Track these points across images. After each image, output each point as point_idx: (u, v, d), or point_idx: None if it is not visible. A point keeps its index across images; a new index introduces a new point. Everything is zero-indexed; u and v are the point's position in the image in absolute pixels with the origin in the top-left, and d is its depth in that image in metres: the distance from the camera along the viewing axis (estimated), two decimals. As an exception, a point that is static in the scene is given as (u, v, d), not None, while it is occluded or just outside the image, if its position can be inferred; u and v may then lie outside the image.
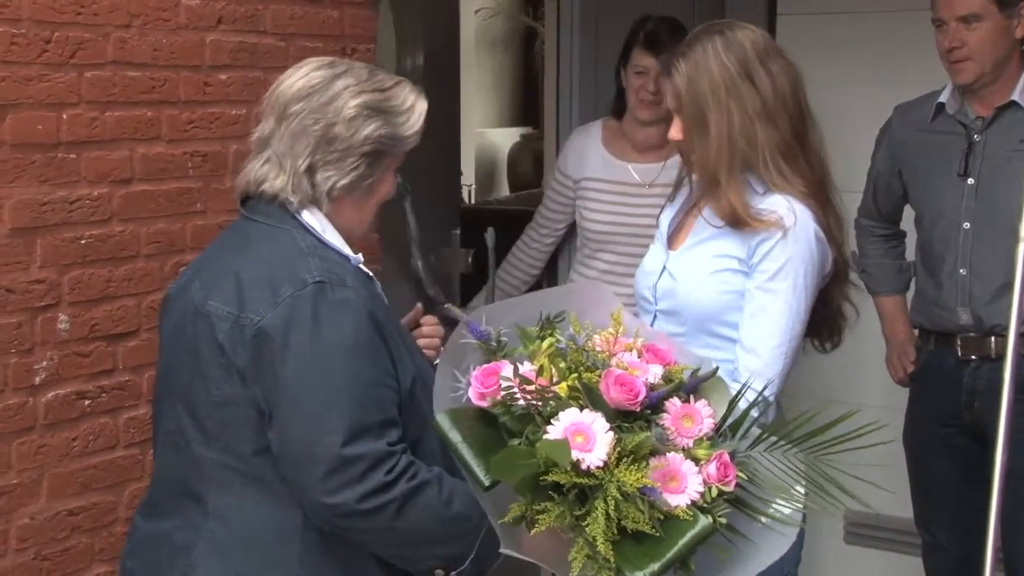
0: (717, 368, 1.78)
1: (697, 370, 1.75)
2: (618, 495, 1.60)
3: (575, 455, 1.59)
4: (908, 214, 3.11)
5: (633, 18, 3.78)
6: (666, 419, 1.68)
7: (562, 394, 1.66)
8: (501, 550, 1.73)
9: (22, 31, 2.20)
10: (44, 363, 2.27)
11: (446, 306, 1.95)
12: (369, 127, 1.85)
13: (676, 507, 1.63)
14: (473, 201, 7.35)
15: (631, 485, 1.60)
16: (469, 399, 1.70)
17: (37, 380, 2.26)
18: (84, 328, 2.33)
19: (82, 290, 2.32)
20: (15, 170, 2.20)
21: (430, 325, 2.13)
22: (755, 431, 1.74)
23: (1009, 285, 2.75)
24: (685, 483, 1.65)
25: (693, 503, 1.64)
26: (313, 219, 1.89)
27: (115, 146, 2.36)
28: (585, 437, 1.62)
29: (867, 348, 3.12)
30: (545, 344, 1.72)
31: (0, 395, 2.21)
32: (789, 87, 2.09)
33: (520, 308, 1.82)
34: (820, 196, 2.10)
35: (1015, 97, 2.77)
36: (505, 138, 8.74)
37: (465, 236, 3.55)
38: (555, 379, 1.69)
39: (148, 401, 2.45)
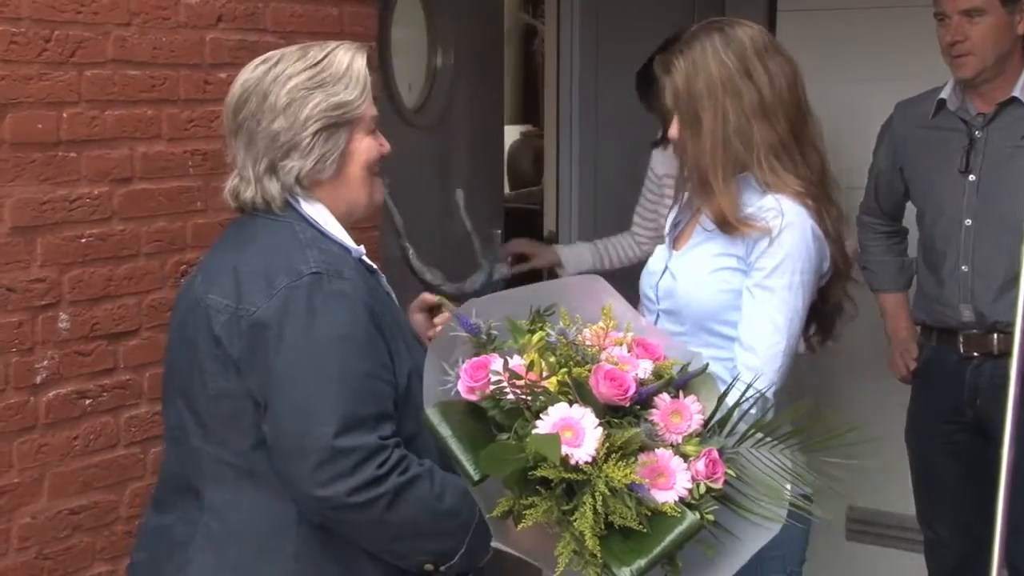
0: (707, 364, 1.78)
1: (687, 366, 1.76)
2: (606, 491, 1.61)
3: (565, 450, 1.59)
4: (910, 211, 3.11)
5: (633, 14, 3.79)
6: (655, 415, 1.69)
7: (551, 389, 1.67)
8: (492, 544, 1.75)
9: (22, 30, 2.19)
10: (45, 362, 2.26)
11: (438, 298, 1.95)
12: (308, 106, 1.86)
13: (664, 503, 1.64)
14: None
15: (619, 481, 1.61)
16: (458, 392, 1.70)
17: (38, 379, 2.25)
18: (85, 327, 2.32)
19: (83, 289, 2.32)
20: (15, 169, 2.20)
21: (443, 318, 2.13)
22: (743, 427, 1.74)
23: (1012, 281, 2.76)
24: (673, 479, 1.65)
25: (681, 499, 1.64)
26: (314, 210, 1.91)
27: (115, 145, 2.35)
28: (574, 432, 1.63)
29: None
30: (535, 338, 1.73)
31: (1, 394, 2.20)
32: (787, 84, 2.08)
33: (512, 301, 1.82)
34: (819, 193, 2.09)
35: (1016, 93, 2.77)
36: (505, 136, 8.74)
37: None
38: (545, 374, 1.69)
39: (149, 400, 2.45)
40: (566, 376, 1.67)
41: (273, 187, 1.89)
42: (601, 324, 1.76)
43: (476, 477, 1.68)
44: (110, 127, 2.34)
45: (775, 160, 2.06)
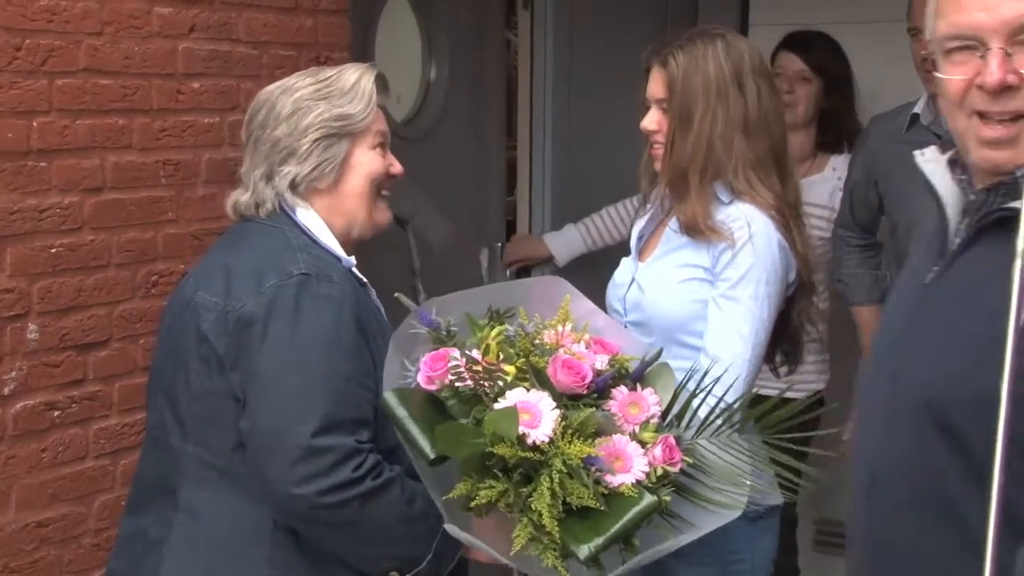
0: (660, 351, 1.82)
1: (643, 358, 1.79)
2: (563, 469, 1.64)
3: (522, 430, 1.63)
4: (884, 225, 3.14)
5: (604, 29, 3.81)
6: (613, 405, 1.73)
7: (509, 376, 1.70)
8: (446, 526, 1.76)
9: (-8, 38, 2.18)
10: (13, 373, 2.25)
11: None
12: (311, 115, 1.93)
13: (621, 485, 1.66)
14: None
15: (575, 456, 1.64)
16: (418, 384, 1.74)
17: (6, 391, 2.23)
18: (54, 338, 2.31)
19: (52, 299, 2.30)
20: (-15, 178, 2.19)
21: None
22: (699, 419, 1.78)
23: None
24: (630, 463, 1.71)
25: (638, 482, 1.67)
26: (308, 219, 1.95)
27: (86, 154, 2.34)
28: (531, 415, 1.67)
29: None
30: (493, 332, 1.77)
31: (-32, 406, 2.19)
32: (774, 109, 2.12)
33: (471, 300, 1.85)
34: (789, 210, 2.11)
35: (986, 108, 2.79)
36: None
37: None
38: (503, 361, 1.72)
39: (119, 411, 2.44)
40: (524, 364, 1.71)
41: (267, 192, 1.94)
42: (557, 322, 1.79)
43: (432, 456, 1.70)
44: (81, 136, 2.33)
45: (751, 172, 2.09)
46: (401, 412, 1.74)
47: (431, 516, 1.84)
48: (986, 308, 1.28)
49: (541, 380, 1.71)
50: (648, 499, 1.67)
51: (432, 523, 1.85)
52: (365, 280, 1.99)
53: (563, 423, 1.66)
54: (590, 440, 1.67)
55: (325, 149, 1.93)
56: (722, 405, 1.80)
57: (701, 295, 2.10)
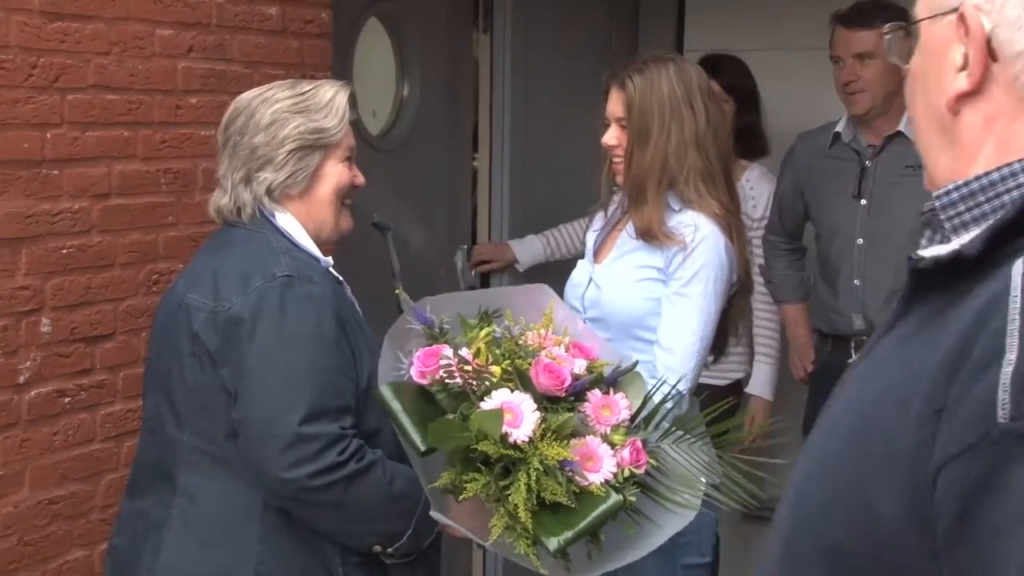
0: (636, 362, 1.97)
1: (618, 366, 1.94)
2: (540, 467, 1.75)
3: (504, 429, 1.75)
4: (809, 231, 3.44)
5: (557, 51, 4.07)
6: (587, 407, 1.86)
7: (495, 377, 1.83)
8: (431, 513, 1.89)
9: (10, 56, 2.36)
10: (28, 363, 2.42)
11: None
12: (288, 127, 2.04)
13: (591, 484, 1.79)
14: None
15: (552, 458, 1.76)
16: (410, 377, 1.86)
17: (21, 379, 2.41)
18: (65, 331, 2.49)
19: (63, 296, 2.49)
20: (2, 185, 2.36)
21: None
22: (665, 425, 1.93)
23: (895, 293, 3.08)
24: (600, 463, 1.81)
25: (607, 481, 1.80)
26: (286, 223, 2.08)
27: (94, 163, 2.53)
28: (514, 415, 1.77)
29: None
30: (483, 332, 1.89)
31: (-12, 393, 2.36)
32: (718, 125, 2.33)
33: (463, 301, 2.00)
34: (732, 219, 2.34)
35: (901, 128, 3.09)
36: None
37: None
38: (490, 362, 1.85)
39: (123, 398, 2.63)
40: (509, 366, 1.84)
41: (246, 195, 2.06)
42: (541, 326, 1.95)
43: (423, 448, 1.84)
44: (90, 147, 2.52)
45: (701, 183, 2.29)
46: (395, 405, 1.86)
47: (410, 496, 1.98)
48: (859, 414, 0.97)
49: (524, 382, 1.82)
50: (614, 498, 1.79)
51: (411, 502, 1.99)
52: (341, 278, 2.13)
53: (543, 425, 1.78)
54: (566, 441, 1.79)
55: (299, 159, 2.05)
56: (674, 393, 1.98)
57: (655, 293, 2.29)
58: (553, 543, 1.77)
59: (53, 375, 2.48)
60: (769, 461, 1.93)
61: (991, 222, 0.92)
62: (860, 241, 3.15)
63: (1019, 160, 0.94)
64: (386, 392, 1.89)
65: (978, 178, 0.96)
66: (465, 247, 3.91)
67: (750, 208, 3.48)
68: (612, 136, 2.36)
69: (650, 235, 2.31)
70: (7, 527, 2.42)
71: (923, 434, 0.85)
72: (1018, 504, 0.79)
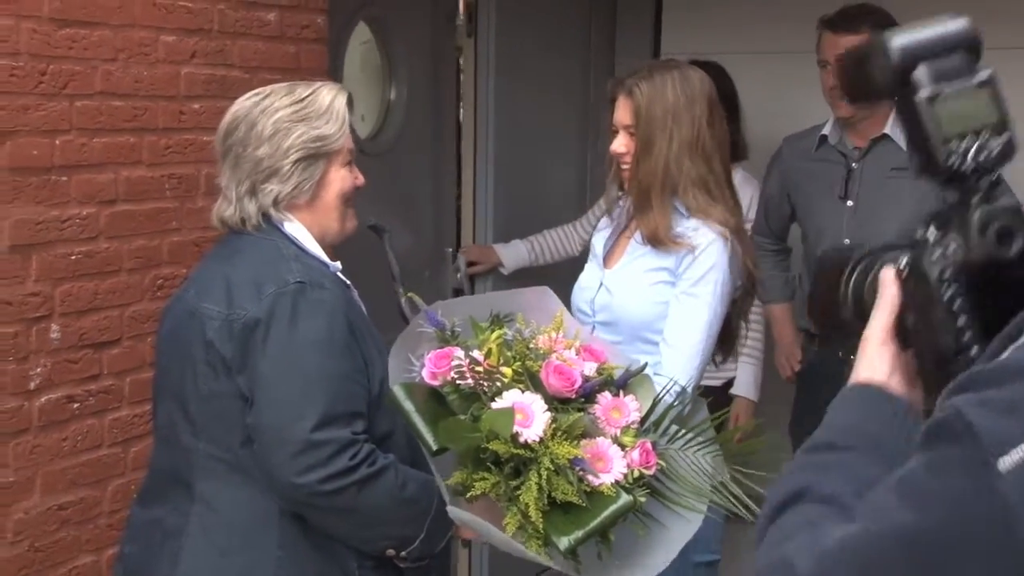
0: (646, 364, 2.00)
1: (628, 368, 1.97)
2: (551, 467, 1.76)
3: (515, 428, 1.78)
4: (794, 232, 3.51)
5: (539, 54, 4.12)
6: (597, 409, 1.89)
7: (506, 378, 1.85)
8: (448, 508, 1.90)
9: (20, 64, 2.37)
10: (38, 370, 2.43)
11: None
12: (291, 137, 2.04)
13: (602, 484, 1.81)
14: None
15: (563, 457, 1.77)
16: (422, 379, 1.89)
17: (32, 385, 2.42)
18: (74, 337, 2.50)
19: (72, 302, 2.49)
20: (13, 192, 2.37)
21: None
22: (674, 429, 1.96)
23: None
24: (611, 464, 1.83)
25: (617, 482, 1.82)
26: (294, 230, 2.10)
27: (102, 169, 2.54)
28: (525, 415, 1.79)
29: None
30: (494, 335, 1.92)
31: (-1, 399, 2.36)
32: (723, 132, 2.38)
33: (473, 305, 2.03)
34: (736, 224, 2.38)
35: (887, 130, 3.18)
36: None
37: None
38: (501, 364, 1.87)
39: (130, 403, 2.64)
40: (520, 367, 1.87)
41: (251, 207, 2.07)
42: (551, 329, 1.98)
43: (435, 447, 1.86)
44: (97, 153, 2.53)
45: (701, 190, 2.34)
46: (408, 405, 1.88)
47: (423, 499, 2.01)
48: None
49: (535, 383, 1.83)
50: (624, 499, 1.81)
51: (423, 506, 2.01)
52: (349, 282, 2.15)
53: (553, 425, 1.80)
54: (576, 441, 1.80)
55: (304, 169, 2.05)
56: (678, 390, 2.03)
57: (666, 297, 2.33)
58: (564, 542, 1.79)
59: (63, 381, 2.49)
60: (767, 476, 1.97)
61: None
62: (846, 242, 3.22)
63: None
64: (399, 392, 1.91)
65: None
66: (463, 256, 3.93)
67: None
68: (621, 144, 2.40)
69: (657, 241, 2.35)
70: (18, 533, 2.42)
71: None
72: None
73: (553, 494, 1.80)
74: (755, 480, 1.94)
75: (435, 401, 1.91)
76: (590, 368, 1.94)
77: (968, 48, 1.04)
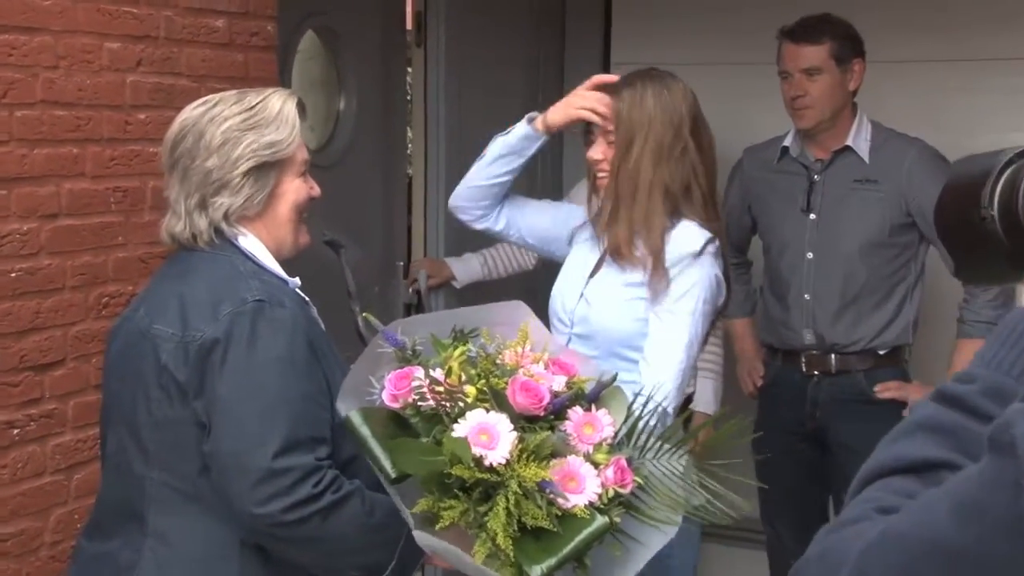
0: (616, 375, 1.91)
1: (599, 380, 1.88)
2: (519, 491, 1.69)
3: (479, 452, 1.69)
4: (754, 244, 3.48)
5: (488, 62, 4.06)
6: (568, 426, 1.80)
7: (470, 397, 1.77)
8: (415, 534, 1.80)
9: (-44, 71, 2.26)
10: (-24, 394, 2.32)
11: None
12: (240, 146, 1.96)
13: (574, 506, 1.73)
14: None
15: (530, 479, 1.69)
16: (383, 401, 1.80)
17: (-31, 411, 2.30)
18: (14, 359, 2.38)
19: (12, 322, 2.37)
20: (-52, 206, 2.26)
21: None
22: (649, 441, 1.87)
23: (846, 307, 3.16)
24: (584, 484, 1.74)
25: (591, 503, 1.74)
26: (250, 245, 2.01)
27: (43, 182, 2.42)
28: (489, 436, 1.70)
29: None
30: (457, 352, 1.83)
31: (-65, 426, 2.24)
32: (707, 142, 2.34)
33: (436, 322, 1.94)
34: (718, 228, 2.34)
35: (849, 142, 3.16)
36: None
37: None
38: (464, 382, 1.78)
39: (73, 428, 2.52)
40: (484, 386, 1.79)
41: (201, 222, 1.97)
42: (517, 343, 1.89)
43: (393, 475, 1.77)
44: (38, 165, 2.41)
45: (684, 202, 2.30)
46: (364, 431, 1.79)
47: (392, 526, 1.91)
48: None
49: (500, 402, 1.75)
50: (600, 521, 1.74)
51: (394, 532, 1.93)
52: (308, 299, 2.07)
53: (520, 445, 1.72)
54: (546, 462, 1.73)
55: (255, 180, 1.97)
56: (659, 411, 1.95)
57: (643, 313, 2.29)
58: (536, 571, 1.71)
59: (2, 406, 2.36)
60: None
61: None
62: (810, 255, 3.19)
63: None
64: (355, 418, 1.82)
65: None
66: (402, 264, 3.86)
67: None
68: (598, 150, 2.35)
69: (619, 254, 2.31)
70: (-46, 568, 2.29)
71: None
72: None
73: (523, 519, 1.72)
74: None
75: (396, 425, 1.83)
76: (559, 382, 1.87)
77: None
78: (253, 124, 1.99)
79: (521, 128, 2.46)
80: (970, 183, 1.02)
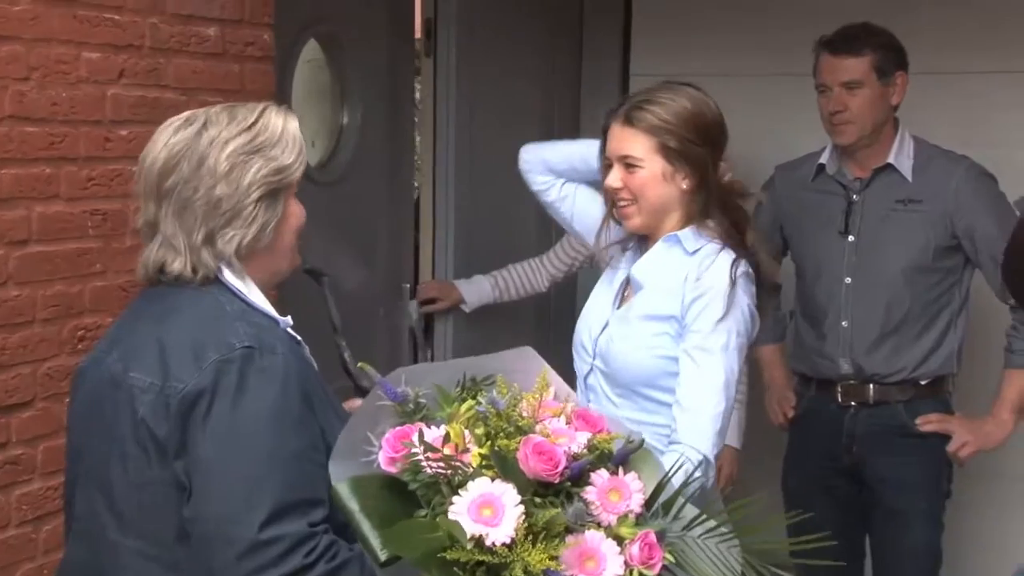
0: (643, 440, 1.72)
1: (628, 439, 1.69)
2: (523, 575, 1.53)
3: (481, 530, 1.53)
4: (787, 267, 3.26)
5: (501, 73, 3.88)
6: (591, 492, 1.61)
7: (475, 463, 1.60)
8: None
9: (-87, 83, 2.07)
10: (-66, 439, 2.12)
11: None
12: (250, 172, 1.78)
13: None
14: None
15: (536, 565, 1.54)
16: (379, 464, 1.64)
17: (-74, 458, 2.11)
18: (-23, 400, 2.19)
19: (-25, 359, 2.18)
20: (-96, 232, 2.06)
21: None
22: (691, 510, 1.68)
23: (886, 336, 2.94)
24: (604, 564, 1.58)
25: None
26: (235, 279, 1.82)
27: (11, 205, 2.23)
28: (493, 510, 1.56)
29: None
30: (464, 407, 1.67)
31: None
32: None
33: (444, 371, 1.77)
34: (748, 265, 2.18)
35: (891, 160, 2.95)
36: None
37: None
38: (469, 442, 1.62)
39: (42, 475, 2.33)
40: (489, 449, 1.61)
41: (209, 258, 1.78)
42: (535, 393, 1.70)
43: (382, 558, 1.61)
44: (6, 186, 2.22)
45: (716, 225, 2.17)
46: (353, 505, 1.64)
47: None
48: None
49: (506, 469, 1.59)
50: None
51: None
52: (300, 338, 1.88)
53: (527, 522, 1.56)
54: (558, 539, 1.56)
55: (267, 208, 1.81)
56: (699, 464, 1.81)
57: (670, 351, 2.12)
58: None
59: (-37, 452, 2.16)
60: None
61: None
62: (848, 280, 3.00)
63: None
64: (343, 490, 1.64)
65: None
66: (408, 285, 3.69)
67: None
68: (616, 178, 2.18)
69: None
70: (-91, 632, 2.09)
71: None
72: None
73: None
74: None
75: (392, 493, 1.64)
76: (582, 440, 1.66)
77: None
78: (258, 146, 1.80)
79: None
80: None
